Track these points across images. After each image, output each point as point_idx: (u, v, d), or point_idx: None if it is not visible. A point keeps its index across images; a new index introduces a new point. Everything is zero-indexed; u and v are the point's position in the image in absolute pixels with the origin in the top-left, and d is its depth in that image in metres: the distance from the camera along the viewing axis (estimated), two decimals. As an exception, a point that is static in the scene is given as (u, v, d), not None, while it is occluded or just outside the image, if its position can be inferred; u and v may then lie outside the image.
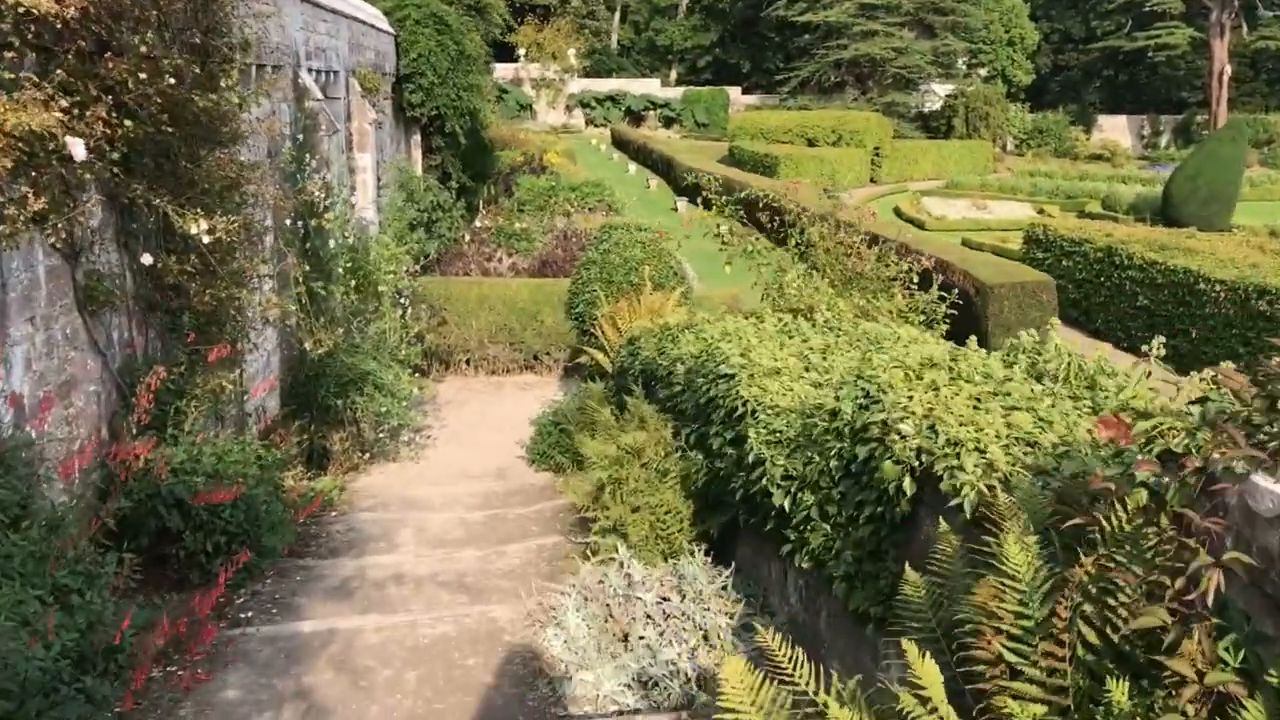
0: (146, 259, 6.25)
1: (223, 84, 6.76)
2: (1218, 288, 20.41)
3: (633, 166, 47.98)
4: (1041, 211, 39.01)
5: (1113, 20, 77.36)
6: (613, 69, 77.60)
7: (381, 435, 11.46)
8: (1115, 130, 73.46)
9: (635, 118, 68.63)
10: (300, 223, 10.69)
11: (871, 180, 50.03)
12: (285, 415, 10.72)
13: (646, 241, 11.73)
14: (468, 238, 18.73)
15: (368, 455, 11.41)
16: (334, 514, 9.51)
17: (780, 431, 4.61)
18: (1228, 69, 70.81)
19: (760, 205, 23.64)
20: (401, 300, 13.09)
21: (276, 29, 10.23)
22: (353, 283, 11.35)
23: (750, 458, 4.68)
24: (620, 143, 57.81)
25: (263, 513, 6.74)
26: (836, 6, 67.24)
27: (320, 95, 11.43)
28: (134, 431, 6.14)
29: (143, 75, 5.65)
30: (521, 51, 66.18)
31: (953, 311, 7.06)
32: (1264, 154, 60.10)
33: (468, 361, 15.42)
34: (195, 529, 6.38)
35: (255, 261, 7.41)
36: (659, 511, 6.02)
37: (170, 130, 6.23)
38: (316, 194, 10.22)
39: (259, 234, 8.14)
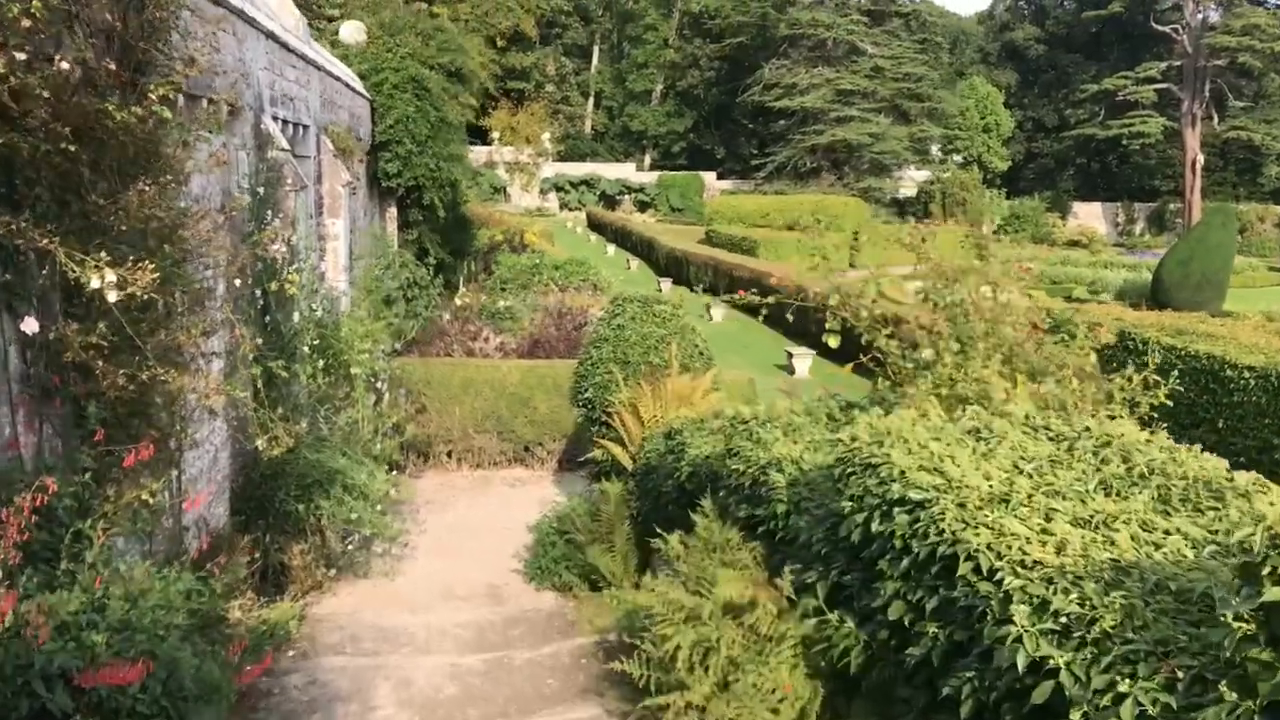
0: (29, 326, 4.44)
1: (153, 95, 5.05)
2: (1246, 374, 18.98)
3: (611, 248, 47.14)
4: (1029, 296, 38.13)
5: (1086, 109, 78.24)
6: (587, 153, 77.31)
7: (351, 546, 9.55)
8: (1090, 217, 73.72)
9: (609, 202, 68.15)
10: (259, 291, 8.92)
11: (851, 265, 49.35)
12: (236, 525, 8.82)
13: (666, 316, 10.04)
14: (448, 316, 17.00)
15: (334, 570, 9.48)
16: (292, 653, 7.57)
17: (1071, 614, 2.80)
18: (1200, 158, 71.45)
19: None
20: (377, 384, 11.29)
21: (235, 62, 8.59)
22: (320, 363, 9.54)
23: (1016, 658, 2.82)
24: (597, 225, 57.22)
25: (189, 681, 4.85)
26: (813, 92, 67.48)
27: (286, 145, 9.76)
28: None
29: (22, 56, 3.94)
30: (495, 135, 65.60)
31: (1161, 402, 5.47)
32: (1240, 242, 60.26)
33: (450, 454, 13.56)
34: (90, 712, 4.49)
35: (195, 334, 5.60)
36: (770, 698, 4.21)
37: (73, 150, 4.49)
38: (278, 253, 8.47)
39: (201, 299, 6.36)
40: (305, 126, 12.09)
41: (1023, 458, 3.75)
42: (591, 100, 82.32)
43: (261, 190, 8.82)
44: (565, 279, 23.55)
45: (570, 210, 66.50)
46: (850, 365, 6.84)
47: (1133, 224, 74.37)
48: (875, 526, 3.68)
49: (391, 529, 10.04)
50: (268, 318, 9.06)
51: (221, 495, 8.56)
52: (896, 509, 3.61)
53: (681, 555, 5.12)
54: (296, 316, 9.27)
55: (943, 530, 3.32)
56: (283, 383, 8.71)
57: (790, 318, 7.35)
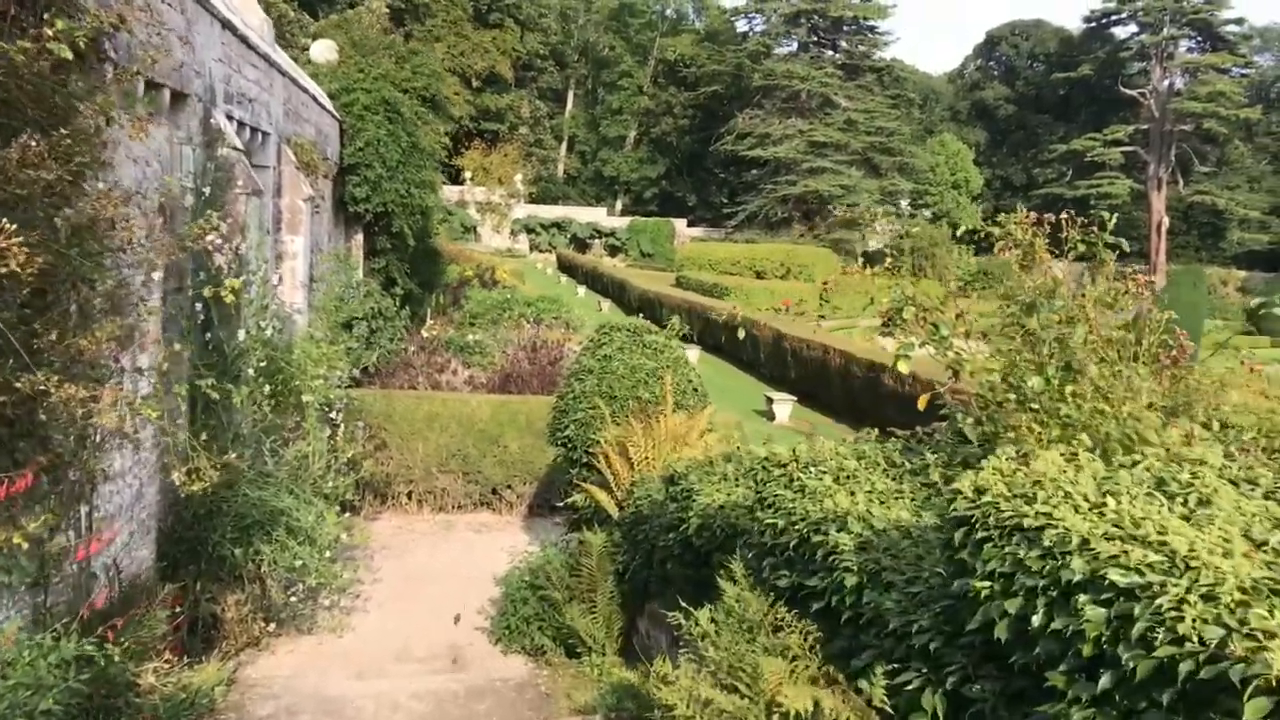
0: None
1: (49, 32, 4.04)
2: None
3: (582, 289, 46.42)
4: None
5: (1054, 169, 78.93)
6: (559, 196, 76.77)
7: (294, 598, 8.41)
8: (1056, 271, 73.85)
9: (580, 245, 67.54)
10: (200, 305, 7.85)
11: (820, 316, 48.99)
12: (163, 572, 7.67)
13: (658, 347, 9.04)
14: (413, 349, 15.92)
15: (274, 625, 8.34)
16: (215, 726, 6.42)
17: None
18: (1165, 220, 72.07)
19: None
20: (331, 415, 10.18)
21: (181, 45, 7.60)
22: (267, 388, 8.45)
23: None
24: (567, 267, 56.58)
25: (62, 780, 3.77)
26: (786, 143, 67.39)
27: (239, 144, 8.74)
28: None
29: None
30: (468, 174, 64.89)
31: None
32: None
33: (410, 495, 12.43)
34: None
35: (101, 339, 4.53)
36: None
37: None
38: (211, 247, 7.40)
39: (120, 303, 5.31)
40: (265, 134, 11.09)
41: (1250, 523, 2.73)
42: (565, 144, 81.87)
43: (208, 191, 7.79)
44: (537, 315, 22.62)
45: (541, 252, 65.74)
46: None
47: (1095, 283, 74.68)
48: (1039, 619, 2.62)
49: (341, 578, 8.92)
50: (209, 334, 7.99)
51: (145, 536, 7.42)
52: (1081, 596, 2.53)
53: (710, 635, 4.07)
54: (242, 334, 8.20)
55: (1182, 636, 2.24)
56: (221, 408, 7.62)
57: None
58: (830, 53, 72.05)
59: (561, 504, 9.72)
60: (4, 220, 3.60)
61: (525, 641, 8.16)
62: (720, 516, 5.10)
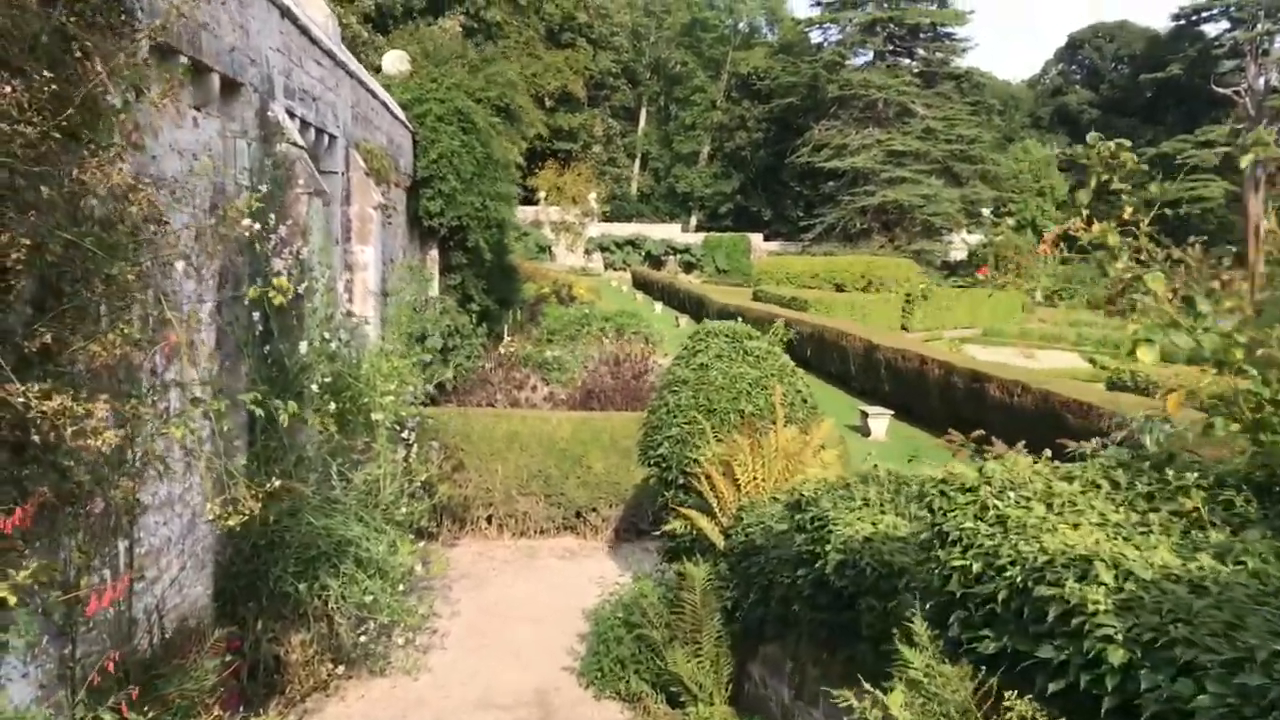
0: None
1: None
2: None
3: (658, 305, 45.70)
4: (1093, 362, 36.44)
5: (1145, 173, 76.06)
6: (632, 214, 76.36)
7: (364, 636, 7.62)
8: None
9: (655, 262, 66.99)
10: (259, 314, 7.14)
11: (903, 328, 47.51)
12: (218, 608, 6.95)
13: (761, 354, 8.08)
14: (490, 365, 15.20)
15: (342, 667, 7.56)
16: (273, 790, 5.63)
17: None
18: (1263, 223, 68.84)
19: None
20: (404, 435, 9.43)
21: (235, 28, 6.92)
22: (333, 406, 7.70)
23: None
24: (642, 284, 55.96)
25: None
26: (863, 153, 65.97)
27: (299, 139, 8.05)
28: None
29: None
30: (542, 194, 64.81)
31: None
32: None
33: (490, 519, 11.64)
34: None
35: (115, 343, 3.74)
36: None
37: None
38: (280, 264, 6.71)
39: (154, 305, 4.56)
40: (332, 136, 10.45)
41: None
42: (638, 161, 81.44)
43: (265, 188, 7.08)
44: (616, 331, 21.86)
45: (615, 270, 65.32)
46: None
47: (1197, 290, 71.89)
48: None
49: (416, 614, 8.12)
50: (268, 347, 7.27)
51: (199, 571, 6.69)
52: None
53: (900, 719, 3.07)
54: (304, 347, 7.46)
55: None
56: (281, 428, 6.87)
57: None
58: (907, 61, 70.55)
59: (655, 530, 8.81)
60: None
61: (620, 686, 7.25)
62: (869, 552, 4.14)
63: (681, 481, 7.86)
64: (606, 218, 71.44)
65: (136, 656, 5.34)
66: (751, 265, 62.26)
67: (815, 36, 75.37)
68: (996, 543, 3.28)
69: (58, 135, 3.23)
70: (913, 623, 3.42)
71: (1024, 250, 63.69)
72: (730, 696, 6.61)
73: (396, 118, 15.32)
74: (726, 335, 8.24)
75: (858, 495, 4.96)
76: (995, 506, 3.45)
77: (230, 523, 4.67)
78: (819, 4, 71.89)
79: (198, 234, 6.21)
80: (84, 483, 4.16)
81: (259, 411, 5.92)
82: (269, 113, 7.60)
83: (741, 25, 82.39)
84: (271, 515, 7.12)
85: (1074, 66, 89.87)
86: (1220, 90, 70.68)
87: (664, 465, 8.15)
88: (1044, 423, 15.58)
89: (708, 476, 7.09)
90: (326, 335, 7.92)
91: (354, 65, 11.67)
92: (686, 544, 7.45)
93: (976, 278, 61.05)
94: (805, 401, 8.03)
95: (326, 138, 10.25)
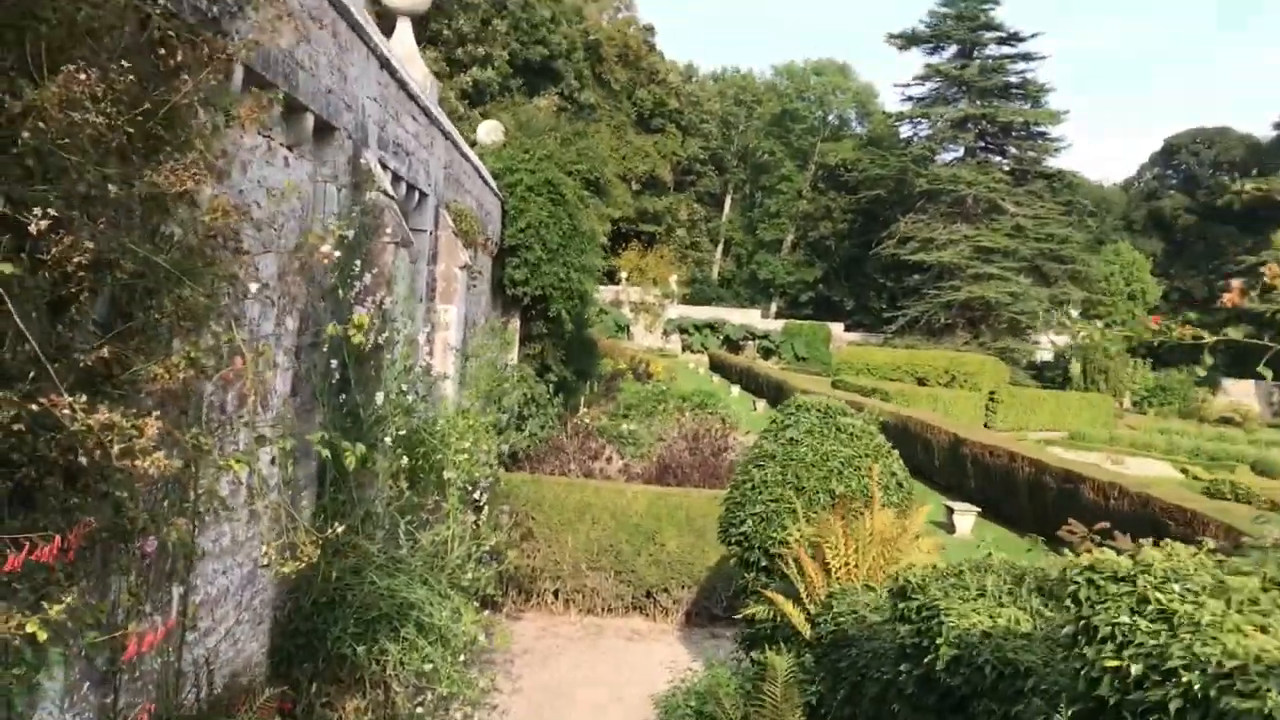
0: None
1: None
2: None
3: (735, 389, 45.20)
4: (1185, 471, 34.90)
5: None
6: (712, 298, 76.46)
7: (420, 708, 7.21)
8: (1242, 394, 68.63)
9: (733, 346, 66.77)
10: (337, 362, 6.94)
11: (985, 425, 46.18)
12: (273, 666, 6.63)
13: (856, 432, 7.62)
14: (566, 435, 14.91)
15: (395, 738, 7.14)
16: None
17: None
18: (1369, 336, 66.17)
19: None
20: (475, 496, 9.12)
21: (332, 72, 6.85)
22: (404, 460, 7.43)
23: None
24: (719, 367, 55.68)
25: None
26: (951, 248, 65.21)
27: (389, 189, 7.95)
28: None
29: None
30: (624, 274, 65.35)
31: None
32: None
33: (556, 593, 11.23)
34: None
35: (179, 366, 3.49)
36: None
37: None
38: (363, 311, 6.51)
39: (223, 330, 4.33)
40: (423, 194, 10.39)
41: None
42: (721, 246, 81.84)
43: (351, 234, 6.93)
44: (693, 410, 21.48)
45: (693, 353, 65.18)
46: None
47: (1289, 403, 69.08)
48: None
49: (476, 687, 7.69)
50: (344, 396, 7.05)
51: (256, 626, 6.39)
52: None
53: None
54: (380, 398, 7.23)
55: None
56: (351, 482, 6.60)
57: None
58: (998, 158, 69.97)
59: (730, 616, 8.30)
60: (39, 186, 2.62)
61: (689, 783, 6.72)
62: (989, 648, 3.65)
63: (764, 563, 7.38)
64: (686, 300, 71.66)
65: (182, 712, 5.02)
66: (831, 354, 61.55)
67: (905, 130, 75.41)
68: (1163, 642, 2.79)
69: (130, 130, 3.03)
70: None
71: (1115, 354, 62.00)
72: (810, 803, 6.04)
73: (487, 184, 15.37)
74: (818, 410, 7.81)
75: (973, 584, 4.46)
76: (1157, 600, 2.96)
77: (286, 569, 4.35)
78: (910, 99, 72.01)
79: (280, 273, 6.05)
80: (138, 518, 3.89)
81: (325, 453, 5.65)
82: (361, 160, 7.51)
83: (831, 118, 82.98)
84: (334, 572, 6.84)
85: (1169, 171, 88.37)
86: (1324, 199, 68.80)
87: (746, 544, 7.68)
88: (1141, 529, 14.69)
89: (795, 559, 6.61)
90: (404, 388, 7.70)
91: (449, 125, 11.69)
92: (767, 631, 6.94)
93: (1067, 377, 59.44)
94: (901, 486, 7.53)
95: (417, 194, 10.19)
